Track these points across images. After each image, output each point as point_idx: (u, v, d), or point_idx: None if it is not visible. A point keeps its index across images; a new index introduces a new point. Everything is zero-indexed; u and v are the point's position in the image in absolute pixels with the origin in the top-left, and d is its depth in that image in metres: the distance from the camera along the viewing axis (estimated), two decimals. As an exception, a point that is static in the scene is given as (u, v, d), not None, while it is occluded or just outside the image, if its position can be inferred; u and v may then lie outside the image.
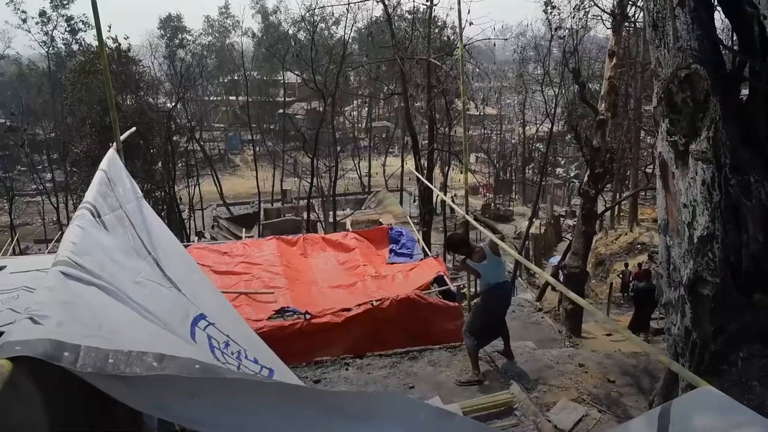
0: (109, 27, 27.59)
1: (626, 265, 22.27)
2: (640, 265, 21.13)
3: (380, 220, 29.24)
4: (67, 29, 46.61)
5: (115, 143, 4.71)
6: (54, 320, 1.85)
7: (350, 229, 13.19)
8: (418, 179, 23.17)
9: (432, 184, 19.72)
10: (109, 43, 25.92)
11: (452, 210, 26.10)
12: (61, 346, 1.70)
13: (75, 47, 43.54)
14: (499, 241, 6.17)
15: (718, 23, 5.01)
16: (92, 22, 4.54)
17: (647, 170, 26.63)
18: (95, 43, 26.24)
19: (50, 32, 46.58)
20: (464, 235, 8.06)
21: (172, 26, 56.76)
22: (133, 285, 2.87)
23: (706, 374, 4.09)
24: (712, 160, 4.14)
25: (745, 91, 4.78)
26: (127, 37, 27.46)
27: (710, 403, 2.38)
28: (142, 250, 3.61)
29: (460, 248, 6.88)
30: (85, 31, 45.54)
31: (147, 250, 3.74)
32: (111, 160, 4.28)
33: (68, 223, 3.43)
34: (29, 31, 46.96)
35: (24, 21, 44.91)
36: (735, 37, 4.56)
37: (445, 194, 32.36)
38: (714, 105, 4.16)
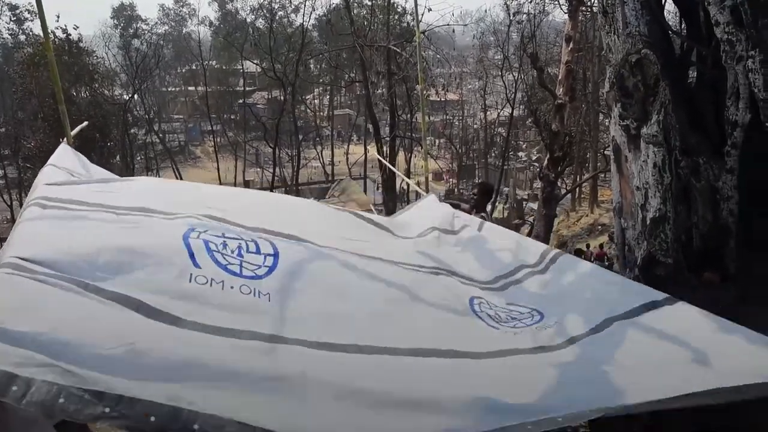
0: (57, 17, 26.63)
1: (588, 246, 22.72)
2: (601, 245, 21.64)
3: (344, 208, 29.15)
4: (13, 19, 44.85)
5: (65, 138, 4.58)
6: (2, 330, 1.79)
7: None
8: (381, 167, 23.20)
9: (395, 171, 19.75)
10: (59, 33, 25.15)
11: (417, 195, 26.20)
12: (10, 380, 1.62)
13: (22, 38, 42.02)
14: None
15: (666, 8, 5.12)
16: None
17: (606, 152, 27.16)
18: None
19: (-6, 22, 44.82)
20: (492, 190, 7.82)
21: (125, 15, 55.17)
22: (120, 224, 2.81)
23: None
24: (663, 143, 4.26)
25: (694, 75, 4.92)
26: (77, 27, 26.67)
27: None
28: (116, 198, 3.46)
29: (483, 197, 6.83)
30: (32, 21, 43.71)
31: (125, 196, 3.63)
32: (61, 155, 4.15)
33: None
34: (-28, 21, 45.02)
35: (-34, 11, 43.10)
36: (683, 24, 4.68)
37: (408, 183, 32.43)
38: (663, 89, 4.27)
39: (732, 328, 2.47)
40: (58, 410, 1.64)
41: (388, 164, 14.85)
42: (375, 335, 2.64)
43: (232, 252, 2.98)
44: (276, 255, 3.08)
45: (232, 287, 2.70)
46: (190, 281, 2.65)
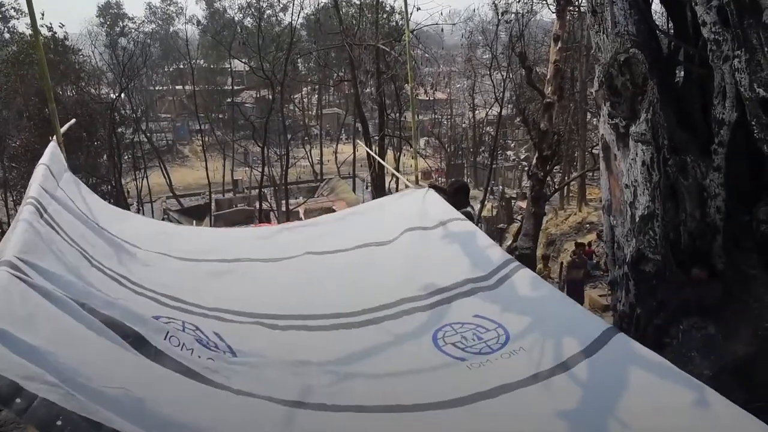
0: (42, 14, 26.37)
1: (581, 244, 22.79)
2: (589, 243, 21.76)
3: (333, 207, 29.07)
4: (-2, 17, 44.43)
5: (55, 137, 4.55)
6: (9, 338, 1.79)
7: (303, 218, 13.11)
8: (370, 165, 23.22)
9: (384, 170, 19.80)
10: (44, 31, 24.94)
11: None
12: (16, 391, 1.63)
13: (7, 36, 41.58)
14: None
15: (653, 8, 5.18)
16: (25, 9, 4.35)
17: (594, 151, 27.27)
18: (29, 31, 25.21)
19: (-22, 20, 44.28)
20: (467, 185, 7.66)
21: (111, 13, 54.74)
22: (93, 278, 2.82)
23: (651, 348, 4.27)
24: (651, 141, 4.30)
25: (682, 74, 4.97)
26: (63, 25, 26.48)
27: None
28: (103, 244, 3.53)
29: (458, 195, 6.45)
30: (17, 19, 43.26)
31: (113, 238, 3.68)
32: (53, 155, 4.14)
33: (9, 221, 3.30)
34: (-45, 20, 44.40)
35: (-51, 8, 42.53)
36: (670, 23, 4.73)
37: (397, 181, 32.50)
38: (652, 88, 4.31)
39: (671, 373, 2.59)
40: (54, 431, 1.64)
41: (377, 158, 14.85)
42: (339, 392, 2.67)
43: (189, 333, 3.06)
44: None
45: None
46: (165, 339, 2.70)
